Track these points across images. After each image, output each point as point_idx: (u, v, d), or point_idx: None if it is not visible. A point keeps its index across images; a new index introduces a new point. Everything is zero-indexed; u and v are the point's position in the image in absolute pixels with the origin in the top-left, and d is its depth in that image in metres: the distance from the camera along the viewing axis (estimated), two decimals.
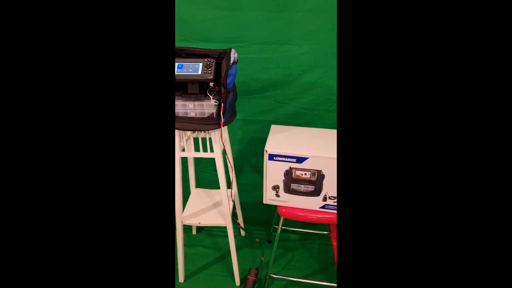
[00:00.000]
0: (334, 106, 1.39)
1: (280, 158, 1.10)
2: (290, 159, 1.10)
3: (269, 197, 1.22)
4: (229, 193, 1.42)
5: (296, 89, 1.39)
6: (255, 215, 1.66)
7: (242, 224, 1.65)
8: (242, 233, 1.70)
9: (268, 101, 1.44)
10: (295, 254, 1.58)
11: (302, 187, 1.16)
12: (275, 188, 1.18)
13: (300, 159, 1.09)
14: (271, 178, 1.16)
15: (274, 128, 1.27)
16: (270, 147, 1.11)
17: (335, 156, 1.06)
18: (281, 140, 1.17)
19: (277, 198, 1.21)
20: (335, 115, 1.41)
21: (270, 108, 1.45)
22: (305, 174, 1.12)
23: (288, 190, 1.18)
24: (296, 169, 1.12)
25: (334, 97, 1.38)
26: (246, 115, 1.47)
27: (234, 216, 1.67)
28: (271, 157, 1.10)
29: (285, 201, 1.22)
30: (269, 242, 1.63)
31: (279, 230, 1.29)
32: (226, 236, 1.32)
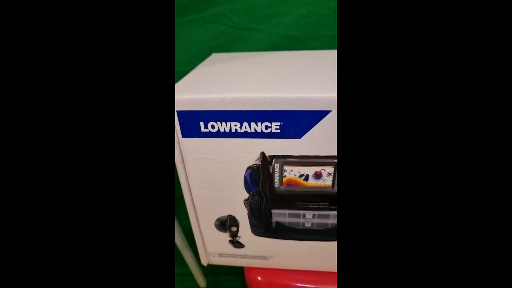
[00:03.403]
0: None
1: (223, 125, 0.31)
2: (260, 125, 0.31)
3: (212, 249, 0.43)
4: None
5: None
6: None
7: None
8: (202, 283, 0.91)
9: (217, 26, 0.66)
10: None
11: (312, 217, 0.37)
12: (226, 225, 0.40)
13: (296, 122, 0.31)
14: (201, 196, 0.37)
15: (213, 58, 0.49)
16: (188, 90, 0.33)
17: None
18: (227, 76, 0.38)
19: (237, 251, 0.43)
20: None
21: (223, 42, 0.67)
22: (323, 171, 0.33)
23: (265, 226, 0.39)
24: (287, 159, 0.33)
25: None
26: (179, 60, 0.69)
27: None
28: (193, 122, 0.32)
29: (263, 257, 0.43)
30: None
31: None
32: None
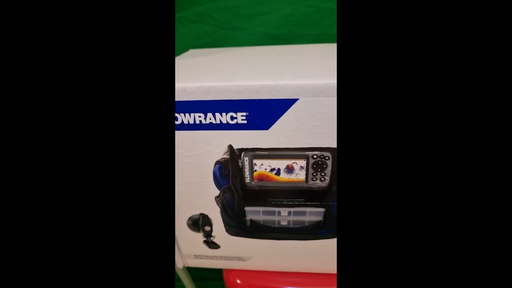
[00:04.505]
0: None
1: (186, 116, 0.30)
2: (225, 116, 0.30)
3: (187, 250, 0.41)
4: None
5: None
6: None
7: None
8: None
9: (201, 26, 0.65)
10: None
11: (287, 214, 0.36)
12: (199, 224, 0.38)
13: (262, 112, 0.29)
14: (183, 193, 0.35)
15: (189, 53, 0.48)
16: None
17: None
18: (201, 66, 0.37)
19: (213, 252, 0.41)
20: None
21: (207, 42, 0.66)
22: (295, 164, 0.32)
23: (239, 225, 0.37)
24: (257, 152, 0.32)
25: None
26: None
27: None
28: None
29: (241, 258, 0.41)
30: None
31: None
32: None
